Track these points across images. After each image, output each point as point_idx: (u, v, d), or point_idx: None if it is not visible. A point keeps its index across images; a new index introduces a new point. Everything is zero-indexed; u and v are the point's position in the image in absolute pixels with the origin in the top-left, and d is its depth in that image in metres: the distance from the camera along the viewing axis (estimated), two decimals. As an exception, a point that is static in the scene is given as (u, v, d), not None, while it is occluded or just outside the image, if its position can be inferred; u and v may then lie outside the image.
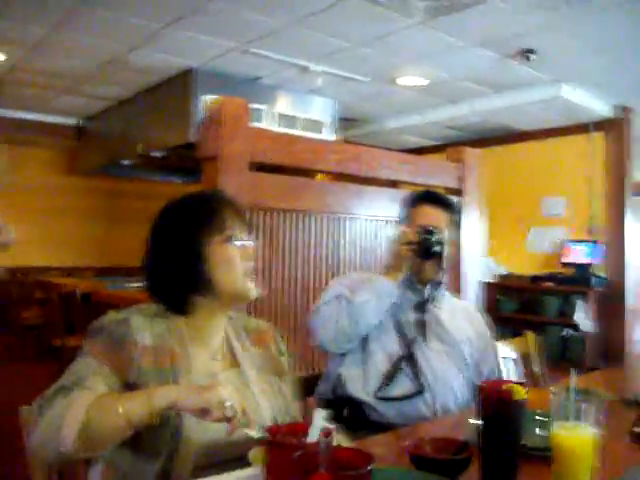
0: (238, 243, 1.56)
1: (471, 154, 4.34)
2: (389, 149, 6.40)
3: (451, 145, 6.03)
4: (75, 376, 1.35)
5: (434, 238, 2.07)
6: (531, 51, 4.77)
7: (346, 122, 7.16)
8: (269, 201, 3.20)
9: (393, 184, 4.31)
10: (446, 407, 2.03)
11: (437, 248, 2.08)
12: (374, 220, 3.72)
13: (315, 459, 0.84)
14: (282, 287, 3.23)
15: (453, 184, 4.19)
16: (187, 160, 6.66)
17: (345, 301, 2.03)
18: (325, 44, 4.84)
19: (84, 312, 4.98)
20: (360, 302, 2.02)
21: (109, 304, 5.06)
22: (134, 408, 1.24)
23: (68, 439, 1.21)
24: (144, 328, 1.47)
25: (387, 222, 3.76)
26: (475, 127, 7.07)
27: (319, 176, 5.23)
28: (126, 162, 7.12)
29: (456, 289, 3.86)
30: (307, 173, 4.55)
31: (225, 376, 1.53)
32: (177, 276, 1.53)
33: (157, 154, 6.47)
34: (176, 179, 8.34)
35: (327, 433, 1.00)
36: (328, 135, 6.30)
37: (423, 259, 2.10)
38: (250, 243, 1.60)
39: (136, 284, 6.26)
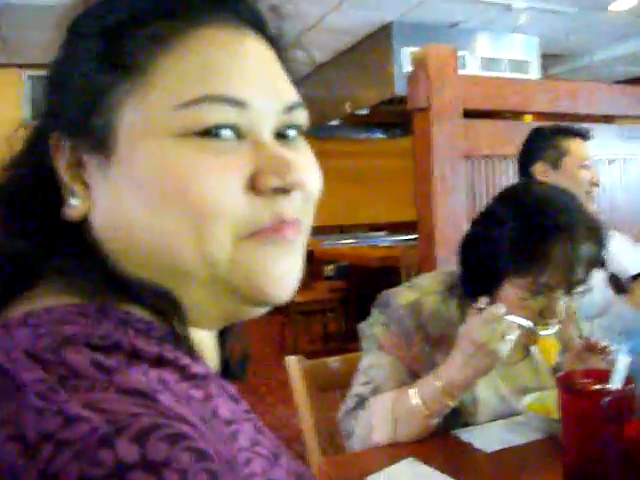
0: (536, 301, 1.29)
1: None
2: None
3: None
4: (372, 384, 1.34)
5: None
6: None
7: (550, 59, 6.76)
8: (485, 148, 3.13)
9: (607, 119, 4.01)
10: None
11: None
12: (598, 160, 3.49)
13: (627, 406, 0.80)
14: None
15: (683, 113, 3.81)
16: (389, 115, 6.69)
17: None
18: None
19: (308, 267, 5.24)
20: None
21: (331, 259, 5.26)
22: (429, 402, 1.23)
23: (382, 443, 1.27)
24: (437, 313, 1.38)
25: (612, 161, 3.52)
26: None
27: (527, 117, 5.00)
28: (334, 122, 7.29)
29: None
30: (517, 116, 4.39)
31: (519, 367, 1.46)
32: (474, 276, 1.39)
33: (363, 112, 6.56)
34: (380, 135, 8.41)
35: (629, 380, 0.95)
36: (535, 74, 5.99)
37: None
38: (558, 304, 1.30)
39: (350, 240, 6.46)
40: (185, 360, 0.47)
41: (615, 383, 0.95)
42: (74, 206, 0.52)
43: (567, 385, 1.02)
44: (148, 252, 0.51)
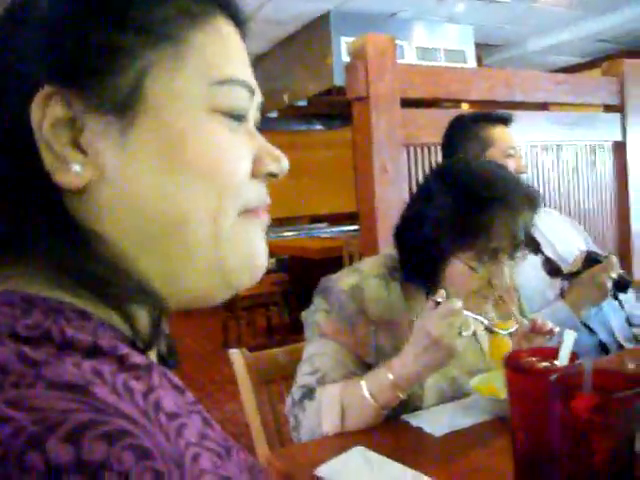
0: (485, 270, 1.31)
1: (634, 66, 4.00)
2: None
3: (604, 59, 5.62)
4: (318, 373, 1.32)
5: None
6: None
7: (485, 49, 6.87)
8: (423, 137, 3.14)
9: (541, 107, 4.10)
10: None
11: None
12: (532, 146, 3.56)
13: (575, 382, 0.79)
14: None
15: (612, 100, 3.91)
16: (328, 106, 6.70)
17: None
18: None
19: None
20: None
21: (272, 252, 5.22)
22: (380, 394, 1.22)
23: (331, 433, 1.26)
24: (378, 296, 1.36)
25: (546, 147, 3.59)
26: (634, 36, 6.52)
27: (464, 105, 5.06)
28: (272, 115, 7.25)
29: (624, 246, 3.64)
30: (455, 104, 4.43)
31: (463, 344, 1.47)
32: (416, 258, 1.37)
33: (301, 103, 6.53)
34: (319, 126, 8.42)
35: (574, 356, 0.95)
36: (471, 64, 6.08)
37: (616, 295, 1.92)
38: (504, 270, 1.32)
39: (290, 233, 6.43)
40: (123, 349, 0.43)
41: (562, 359, 0.94)
42: (77, 173, 0.47)
43: (514, 364, 1.01)
44: (159, 228, 0.49)
